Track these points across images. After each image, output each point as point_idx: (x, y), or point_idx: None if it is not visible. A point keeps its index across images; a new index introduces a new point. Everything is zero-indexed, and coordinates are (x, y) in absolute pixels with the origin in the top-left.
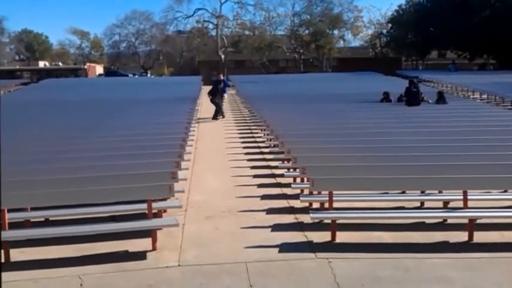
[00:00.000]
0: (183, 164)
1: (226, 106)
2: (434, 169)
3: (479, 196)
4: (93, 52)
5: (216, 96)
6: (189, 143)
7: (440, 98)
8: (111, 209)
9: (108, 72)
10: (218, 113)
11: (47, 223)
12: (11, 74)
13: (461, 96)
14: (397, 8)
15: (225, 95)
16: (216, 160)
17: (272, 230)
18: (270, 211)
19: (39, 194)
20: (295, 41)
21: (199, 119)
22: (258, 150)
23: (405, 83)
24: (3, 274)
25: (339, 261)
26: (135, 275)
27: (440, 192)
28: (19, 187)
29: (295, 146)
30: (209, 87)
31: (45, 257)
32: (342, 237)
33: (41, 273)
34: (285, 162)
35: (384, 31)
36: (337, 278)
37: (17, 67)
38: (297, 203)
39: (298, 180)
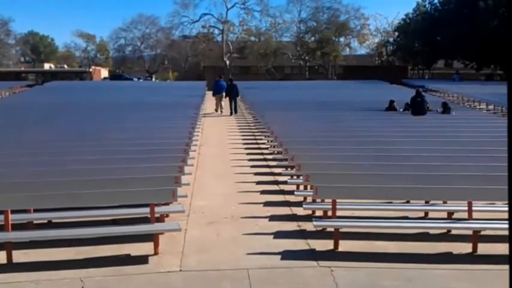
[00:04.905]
0: (186, 169)
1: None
2: (439, 179)
3: (484, 207)
4: (98, 55)
5: (232, 95)
6: (192, 148)
7: (446, 109)
8: (113, 212)
9: (113, 76)
10: (234, 108)
11: (50, 225)
12: (16, 76)
13: (468, 106)
14: (404, 17)
15: (223, 95)
16: (219, 166)
17: (274, 237)
18: (273, 218)
19: (42, 196)
20: (301, 48)
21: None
22: (261, 156)
23: (411, 92)
24: (6, 275)
25: (341, 270)
26: (136, 279)
27: (444, 202)
28: (22, 189)
29: (299, 153)
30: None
31: (47, 259)
32: (344, 245)
33: (43, 275)
34: (289, 169)
35: (391, 39)
36: (339, 286)
37: (22, 69)
38: (300, 211)
39: (302, 187)
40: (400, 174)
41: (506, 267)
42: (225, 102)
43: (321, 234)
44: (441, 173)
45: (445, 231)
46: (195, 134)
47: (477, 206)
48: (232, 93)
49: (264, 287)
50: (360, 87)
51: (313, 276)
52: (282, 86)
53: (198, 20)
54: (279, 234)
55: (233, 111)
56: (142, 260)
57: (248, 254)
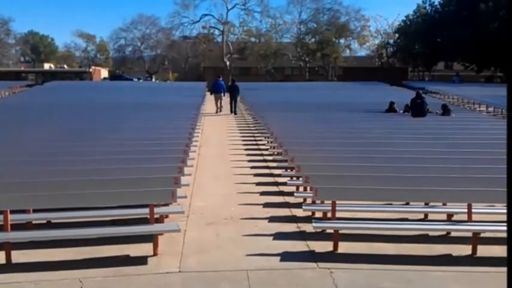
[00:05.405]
0: (186, 170)
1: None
2: (439, 181)
3: (483, 209)
4: (98, 55)
5: (233, 94)
6: (192, 148)
7: (445, 110)
8: (113, 212)
9: (112, 76)
10: (234, 108)
11: (49, 225)
12: (16, 76)
13: (468, 108)
14: (405, 18)
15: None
16: (219, 167)
17: (274, 239)
18: (272, 219)
19: (42, 196)
20: (301, 49)
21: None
22: (261, 157)
23: (411, 94)
24: (5, 275)
25: (340, 271)
26: (136, 279)
27: (444, 204)
28: (22, 189)
29: (298, 155)
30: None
31: (46, 259)
32: (344, 247)
33: (42, 276)
34: (288, 170)
35: (391, 41)
36: None
37: (22, 69)
38: (299, 212)
39: (301, 188)
40: (400, 176)
41: (506, 269)
42: (225, 102)
43: (321, 235)
44: (441, 175)
45: (444, 233)
46: (194, 134)
47: (477, 208)
48: (234, 94)
49: None
50: (360, 89)
51: (312, 278)
52: (282, 87)
53: (198, 21)
54: (278, 236)
55: (233, 111)
56: (141, 260)
57: (247, 255)
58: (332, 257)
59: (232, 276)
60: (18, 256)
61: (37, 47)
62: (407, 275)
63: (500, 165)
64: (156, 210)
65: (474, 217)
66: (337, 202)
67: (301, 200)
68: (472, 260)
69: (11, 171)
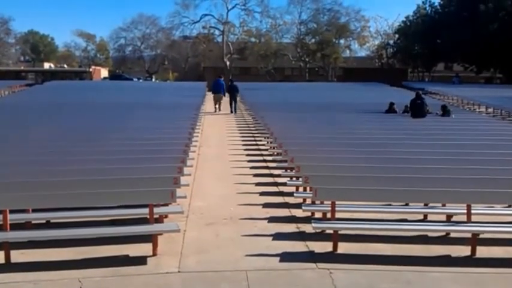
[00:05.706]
0: (186, 170)
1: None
2: (438, 182)
3: (483, 210)
4: (98, 55)
5: (233, 94)
6: (192, 148)
7: (445, 111)
8: (112, 212)
9: (112, 76)
10: (234, 107)
11: (48, 225)
12: (16, 75)
13: (467, 109)
14: (405, 19)
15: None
16: (219, 167)
17: (273, 239)
18: (272, 219)
19: (41, 196)
20: (301, 50)
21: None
22: (261, 158)
23: (410, 95)
24: (4, 275)
25: (340, 272)
26: (135, 280)
27: (443, 205)
28: (21, 188)
29: (298, 155)
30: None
31: (45, 259)
32: (343, 247)
33: (41, 275)
34: (288, 170)
35: (391, 42)
36: None
37: (22, 68)
38: (299, 212)
39: (301, 189)
40: (400, 176)
41: (505, 270)
42: (224, 101)
43: (320, 236)
44: (440, 176)
45: (443, 234)
46: (194, 134)
47: (476, 209)
48: (233, 94)
49: None
50: (359, 89)
51: (312, 278)
52: (282, 87)
53: (198, 21)
54: (278, 236)
55: (233, 110)
56: (141, 260)
57: (247, 255)
58: (331, 257)
59: (232, 276)
60: (17, 256)
61: (37, 46)
62: (406, 275)
63: (499, 166)
64: (155, 210)
65: (473, 218)
66: (336, 202)
67: (301, 200)
68: (471, 261)
69: (11, 171)
